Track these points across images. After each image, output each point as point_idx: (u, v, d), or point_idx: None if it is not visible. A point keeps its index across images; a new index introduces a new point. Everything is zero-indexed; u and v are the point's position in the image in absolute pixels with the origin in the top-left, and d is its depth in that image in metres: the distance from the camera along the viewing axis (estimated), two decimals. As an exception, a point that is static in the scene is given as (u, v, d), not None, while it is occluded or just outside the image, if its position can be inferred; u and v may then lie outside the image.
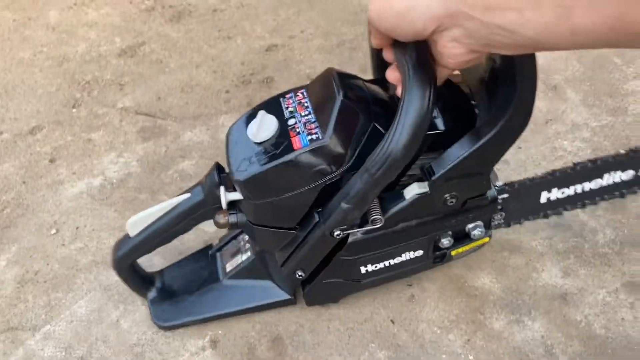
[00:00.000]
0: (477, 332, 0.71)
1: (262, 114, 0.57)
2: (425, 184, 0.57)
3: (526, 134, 0.93)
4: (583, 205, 0.72)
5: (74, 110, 1.08)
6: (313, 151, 0.54)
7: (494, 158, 0.57)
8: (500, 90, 0.53)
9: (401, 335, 0.72)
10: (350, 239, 0.62)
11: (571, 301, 0.73)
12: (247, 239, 0.75)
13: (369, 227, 0.59)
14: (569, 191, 0.70)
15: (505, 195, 0.67)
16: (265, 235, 0.63)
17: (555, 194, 0.69)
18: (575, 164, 0.68)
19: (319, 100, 0.58)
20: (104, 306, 0.78)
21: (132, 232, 0.67)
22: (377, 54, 0.62)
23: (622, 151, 0.70)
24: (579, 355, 0.68)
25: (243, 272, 0.74)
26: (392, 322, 0.73)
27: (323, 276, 0.68)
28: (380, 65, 0.63)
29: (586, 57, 1.05)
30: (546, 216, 0.73)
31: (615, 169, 0.69)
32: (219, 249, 0.79)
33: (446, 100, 0.58)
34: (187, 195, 0.63)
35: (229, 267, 0.75)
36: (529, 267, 0.77)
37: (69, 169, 0.97)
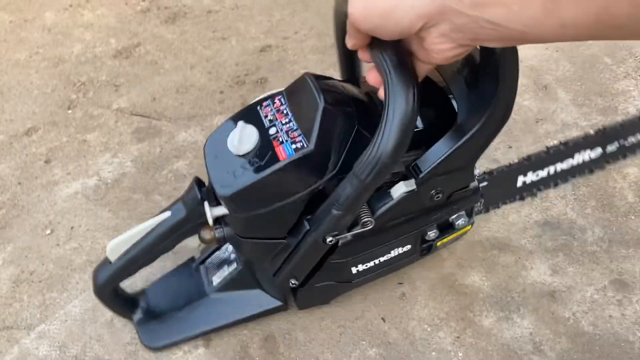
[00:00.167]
0: (466, 329, 0.72)
1: (241, 125, 0.56)
2: (412, 181, 0.57)
3: (517, 133, 0.95)
4: (555, 185, 0.75)
5: (69, 111, 1.09)
6: (299, 160, 0.53)
7: (478, 151, 0.58)
8: (482, 82, 0.53)
9: (392, 333, 0.73)
10: (340, 242, 0.62)
11: (559, 298, 0.74)
12: (231, 249, 0.74)
13: (359, 230, 0.59)
14: (543, 173, 0.72)
15: (485, 184, 0.69)
16: (253, 247, 0.62)
17: (530, 177, 0.72)
18: (548, 148, 0.71)
19: (299, 106, 0.57)
20: (98, 305, 0.78)
21: (113, 257, 0.64)
22: (345, 56, 0.62)
23: (592, 132, 0.72)
24: (567, 351, 0.69)
25: (231, 283, 0.72)
26: (383, 320, 0.74)
27: (314, 281, 0.67)
28: (349, 67, 0.63)
29: (577, 57, 1.06)
30: (522, 198, 0.74)
31: (585, 148, 0.72)
32: (202, 262, 0.76)
33: (424, 97, 0.58)
34: (167, 213, 0.61)
35: (215, 279, 0.74)
36: (518, 265, 0.78)
37: (64, 170, 0.98)
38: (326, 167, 0.55)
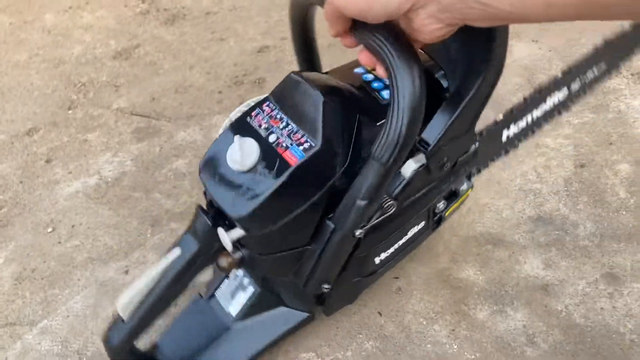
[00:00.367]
0: (461, 322, 0.74)
1: (239, 139, 0.53)
2: (420, 157, 0.57)
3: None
4: (532, 132, 0.76)
5: (69, 111, 1.10)
6: (311, 160, 0.52)
7: (477, 114, 0.59)
8: (473, 47, 0.54)
9: (388, 327, 0.74)
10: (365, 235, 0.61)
11: (552, 292, 0.76)
12: (241, 274, 0.70)
13: (384, 216, 0.58)
14: (522, 123, 0.73)
15: (477, 144, 0.70)
16: (276, 262, 0.59)
17: (512, 129, 0.73)
18: (525, 98, 0.72)
19: (294, 107, 0.55)
20: (99, 301, 0.80)
21: (126, 314, 0.58)
22: (303, 49, 0.62)
23: (559, 75, 0.74)
24: (560, 343, 0.71)
25: (251, 308, 0.68)
26: (380, 313, 0.75)
27: (341, 281, 0.65)
28: (307, 59, 0.64)
29: (569, 56, 1.07)
30: (506, 152, 0.76)
31: (553, 91, 0.74)
32: (212, 295, 0.71)
33: None
34: (177, 250, 0.57)
35: (233, 309, 0.69)
36: (511, 259, 0.80)
37: (65, 169, 0.99)
38: (337, 161, 0.54)
